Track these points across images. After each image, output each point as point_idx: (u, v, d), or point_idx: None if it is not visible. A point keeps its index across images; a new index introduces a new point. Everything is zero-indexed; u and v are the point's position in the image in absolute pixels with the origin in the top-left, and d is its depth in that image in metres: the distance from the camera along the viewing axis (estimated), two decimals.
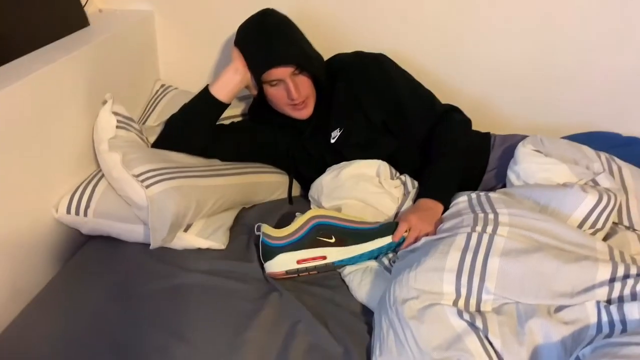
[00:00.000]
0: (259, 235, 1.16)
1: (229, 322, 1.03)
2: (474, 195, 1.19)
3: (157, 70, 1.75)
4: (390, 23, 1.57)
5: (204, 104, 1.31)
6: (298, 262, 1.12)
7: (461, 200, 1.18)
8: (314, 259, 1.13)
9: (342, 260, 1.14)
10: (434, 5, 1.53)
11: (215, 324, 1.03)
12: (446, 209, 1.20)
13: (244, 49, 1.28)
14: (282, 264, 1.12)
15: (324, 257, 1.13)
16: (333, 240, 1.13)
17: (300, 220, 1.15)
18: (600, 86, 1.55)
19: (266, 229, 1.16)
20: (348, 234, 1.13)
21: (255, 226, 1.16)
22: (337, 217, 1.15)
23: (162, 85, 1.68)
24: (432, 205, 1.21)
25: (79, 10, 1.43)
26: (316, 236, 1.13)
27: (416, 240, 1.12)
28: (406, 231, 1.14)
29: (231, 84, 1.30)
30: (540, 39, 1.52)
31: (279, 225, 1.26)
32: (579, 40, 1.50)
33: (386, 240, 1.13)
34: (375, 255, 1.15)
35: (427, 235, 1.12)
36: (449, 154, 1.29)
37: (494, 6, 1.50)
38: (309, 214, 1.16)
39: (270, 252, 1.13)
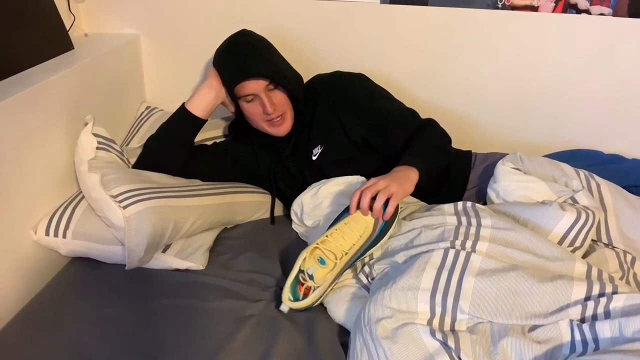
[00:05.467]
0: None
1: (204, 345, 1.02)
2: (460, 203, 1.19)
3: (143, 92, 1.76)
4: (370, 44, 1.59)
5: (181, 121, 1.32)
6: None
7: (447, 205, 1.19)
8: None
9: None
10: (414, 26, 1.55)
11: (190, 347, 1.02)
12: (421, 176, 1.15)
13: (219, 66, 1.31)
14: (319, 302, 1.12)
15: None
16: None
17: (324, 285, 1.08)
18: (581, 105, 1.56)
19: (294, 305, 1.09)
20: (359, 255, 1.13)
21: (281, 308, 1.11)
22: (352, 254, 1.10)
23: (147, 107, 1.70)
24: (402, 169, 1.15)
25: (63, 33, 1.45)
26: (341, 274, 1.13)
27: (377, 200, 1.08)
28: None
29: (206, 100, 1.31)
30: (520, 59, 1.54)
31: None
32: (559, 60, 1.52)
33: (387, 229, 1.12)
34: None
35: (389, 191, 1.08)
36: (424, 142, 1.27)
37: (474, 28, 1.52)
38: (333, 274, 1.08)
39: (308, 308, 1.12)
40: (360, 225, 1.10)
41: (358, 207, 1.10)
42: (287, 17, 1.59)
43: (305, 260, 1.09)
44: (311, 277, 1.08)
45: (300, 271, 1.09)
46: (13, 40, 1.29)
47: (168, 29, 1.67)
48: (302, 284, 1.10)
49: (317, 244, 1.09)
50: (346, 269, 1.12)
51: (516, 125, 1.64)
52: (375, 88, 1.40)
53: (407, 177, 1.13)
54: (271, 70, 1.27)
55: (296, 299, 1.09)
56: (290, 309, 1.10)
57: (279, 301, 1.11)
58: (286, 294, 1.09)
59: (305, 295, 1.09)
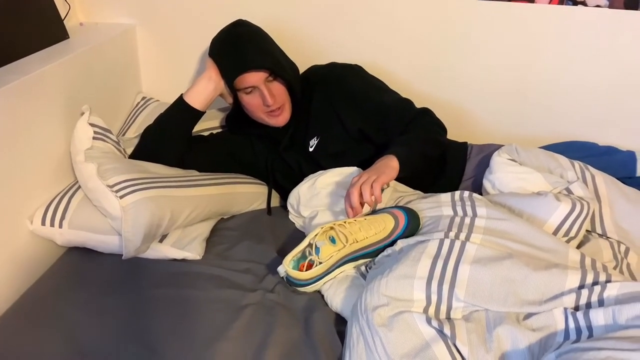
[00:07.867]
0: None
1: (200, 334, 1.03)
2: (457, 192, 1.19)
3: (139, 82, 1.76)
4: (366, 35, 1.59)
5: (179, 112, 1.32)
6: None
7: (444, 194, 1.20)
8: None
9: None
10: (412, 17, 1.55)
11: (186, 336, 1.02)
12: (402, 163, 1.16)
13: (217, 57, 1.30)
14: (317, 286, 1.14)
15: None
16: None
17: (327, 263, 1.10)
18: (577, 97, 1.57)
19: (292, 272, 1.10)
20: (374, 254, 1.14)
21: (278, 269, 1.14)
22: (362, 246, 1.12)
23: (143, 98, 1.69)
24: (383, 158, 1.17)
25: (58, 23, 1.44)
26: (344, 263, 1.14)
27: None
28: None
29: (205, 92, 1.31)
30: (517, 51, 1.54)
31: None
32: (556, 52, 1.52)
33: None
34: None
35: (371, 181, 1.10)
36: (412, 133, 1.27)
37: (471, 19, 1.52)
38: (338, 256, 1.10)
39: (304, 285, 1.13)
40: (379, 224, 1.13)
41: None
42: (283, 7, 1.58)
43: (317, 236, 1.11)
44: (317, 251, 1.09)
45: (309, 245, 1.11)
46: (8, 29, 1.28)
47: (164, 18, 1.66)
48: (304, 265, 1.11)
49: (334, 224, 1.12)
50: (351, 259, 1.13)
51: (512, 116, 1.64)
52: (370, 79, 1.41)
53: (386, 165, 1.15)
54: (270, 61, 1.26)
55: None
56: (288, 280, 1.12)
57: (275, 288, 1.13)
58: (289, 257, 1.10)
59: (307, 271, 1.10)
